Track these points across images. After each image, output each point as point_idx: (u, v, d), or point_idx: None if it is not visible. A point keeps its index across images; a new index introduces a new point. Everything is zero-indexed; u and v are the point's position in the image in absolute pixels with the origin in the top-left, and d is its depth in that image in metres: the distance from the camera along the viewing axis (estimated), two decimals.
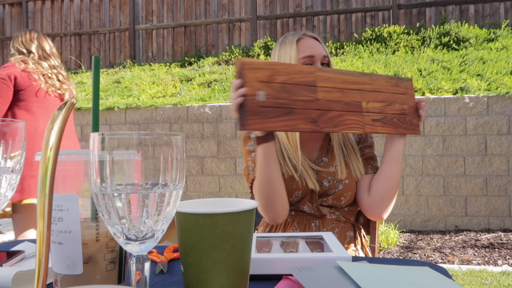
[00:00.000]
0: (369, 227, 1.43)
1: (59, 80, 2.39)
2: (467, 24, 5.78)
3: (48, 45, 2.40)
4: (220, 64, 6.31)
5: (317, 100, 1.03)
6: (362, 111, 1.10)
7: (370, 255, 1.35)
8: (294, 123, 0.98)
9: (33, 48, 2.33)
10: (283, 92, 0.98)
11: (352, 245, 1.29)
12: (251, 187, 1.29)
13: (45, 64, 2.34)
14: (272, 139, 1.12)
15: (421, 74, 4.79)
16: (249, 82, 0.94)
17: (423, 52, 5.44)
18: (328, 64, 1.28)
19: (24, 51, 2.32)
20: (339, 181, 1.25)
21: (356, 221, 1.38)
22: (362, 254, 1.31)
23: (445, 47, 5.51)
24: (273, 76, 0.98)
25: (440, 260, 3.19)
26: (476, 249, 3.41)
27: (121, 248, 0.57)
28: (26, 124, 2.31)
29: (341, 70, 1.14)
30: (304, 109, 1.00)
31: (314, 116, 1.01)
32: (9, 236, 4.32)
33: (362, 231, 1.39)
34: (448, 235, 3.80)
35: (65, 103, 0.44)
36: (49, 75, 2.34)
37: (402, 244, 3.60)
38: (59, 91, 2.39)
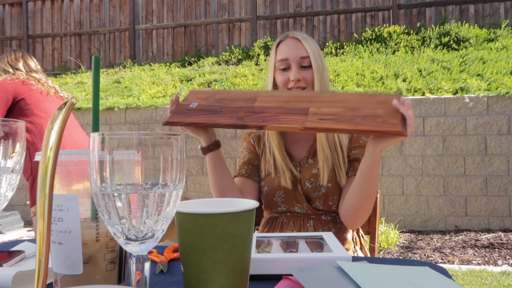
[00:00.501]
0: (369, 227, 1.43)
1: (54, 88, 2.40)
2: (467, 24, 5.78)
3: (33, 62, 2.42)
4: (220, 64, 6.31)
5: (251, 107, 1.07)
6: (307, 114, 1.00)
7: (369, 255, 1.35)
8: (215, 118, 1.04)
9: (20, 65, 2.35)
10: (217, 102, 1.10)
11: (351, 246, 1.28)
12: None
13: (35, 75, 2.35)
14: (216, 149, 1.18)
15: (421, 74, 4.79)
16: (188, 99, 1.13)
17: (423, 52, 5.44)
18: (310, 65, 1.22)
19: (11, 70, 2.33)
20: (321, 184, 1.23)
21: None
22: (361, 255, 1.31)
23: (445, 47, 5.50)
24: (213, 95, 1.14)
25: (440, 260, 3.19)
26: (476, 249, 3.41)
27: (121, 248, 0.57)
28: (45, 124, 2.28)
29: (295, 92, 1.18)
30: (233, 111, 1.06)
31: (241, 115, 1.04)
32: (9, 236, 4.32)
33: (361, 231, 1.39)
34: (448, 235, 3.80)
35: (65, 103, 0.44)
36: (44, 79, 2.35)
37: (402, 244, 3.60)
38: (61, 95, 2.40)
